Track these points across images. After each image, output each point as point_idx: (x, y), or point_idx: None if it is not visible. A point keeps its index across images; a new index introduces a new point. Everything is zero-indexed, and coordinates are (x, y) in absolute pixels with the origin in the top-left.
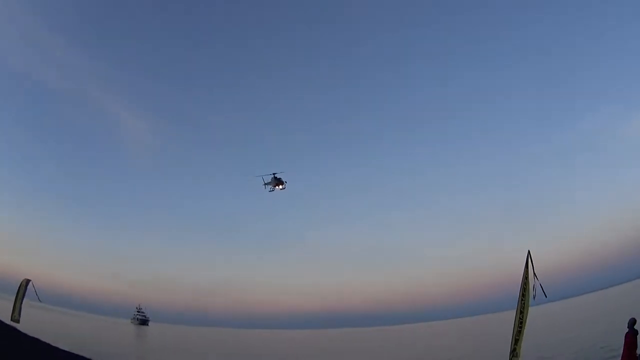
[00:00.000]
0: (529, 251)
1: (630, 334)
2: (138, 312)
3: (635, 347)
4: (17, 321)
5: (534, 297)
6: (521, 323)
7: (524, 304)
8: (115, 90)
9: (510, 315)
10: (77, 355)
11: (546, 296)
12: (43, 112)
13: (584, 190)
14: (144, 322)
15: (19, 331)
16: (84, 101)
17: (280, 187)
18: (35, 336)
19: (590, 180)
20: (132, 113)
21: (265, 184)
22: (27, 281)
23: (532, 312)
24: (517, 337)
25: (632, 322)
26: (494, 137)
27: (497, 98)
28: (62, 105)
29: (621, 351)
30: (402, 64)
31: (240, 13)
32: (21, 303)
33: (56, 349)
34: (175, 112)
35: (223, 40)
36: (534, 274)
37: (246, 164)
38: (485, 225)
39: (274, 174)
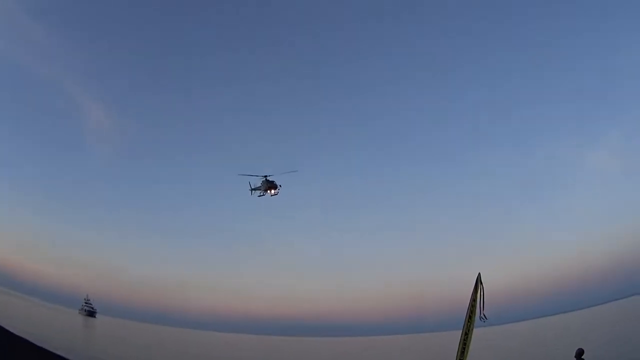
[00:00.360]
0: (479, 274)
1: None
2: (86, 303)
3: None
4: None
5: (481, 319)
6: (465, 344)
7: (469, 325)
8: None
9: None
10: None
11: (485, 320)
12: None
13: (544, 217)
14: (91, 313)
15: None
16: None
17: (273, 191)
18: None
19: (549, 208)
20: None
21: (252, 189)
22: None
23: (483, 333)
24: (460, 358)
25: (580, 352)
26: (457, 158)
27: (466, 118)
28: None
29: None
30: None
31: (239, 17)
32: None
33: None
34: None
35: (206, 43)
36: (482, 296)
37: (214, 164)
38: (448, 244)
39: (265, 176)
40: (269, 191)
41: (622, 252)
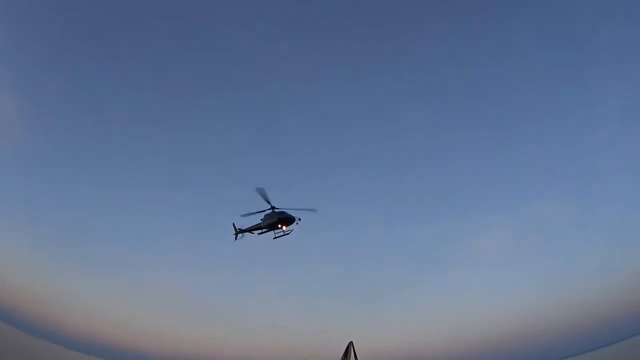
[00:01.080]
0: (351, 342)
1: None
2: None
3: None
4: None
5: None
6: None
7: None
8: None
9: None
10: None
11: None
12: None
13: (430, 293)
14: None
15: None
16: None
17: (284, 228)
18: None
19: (435, 285)
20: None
21: (240, 231)
22: None
23: None
24: None
25: None
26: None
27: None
28: None
29: None
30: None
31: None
32: None
33: None
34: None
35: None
36: None
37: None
38: (331, 309)
39: (273, 207)
40: (279, 227)
41: (499, 334)
